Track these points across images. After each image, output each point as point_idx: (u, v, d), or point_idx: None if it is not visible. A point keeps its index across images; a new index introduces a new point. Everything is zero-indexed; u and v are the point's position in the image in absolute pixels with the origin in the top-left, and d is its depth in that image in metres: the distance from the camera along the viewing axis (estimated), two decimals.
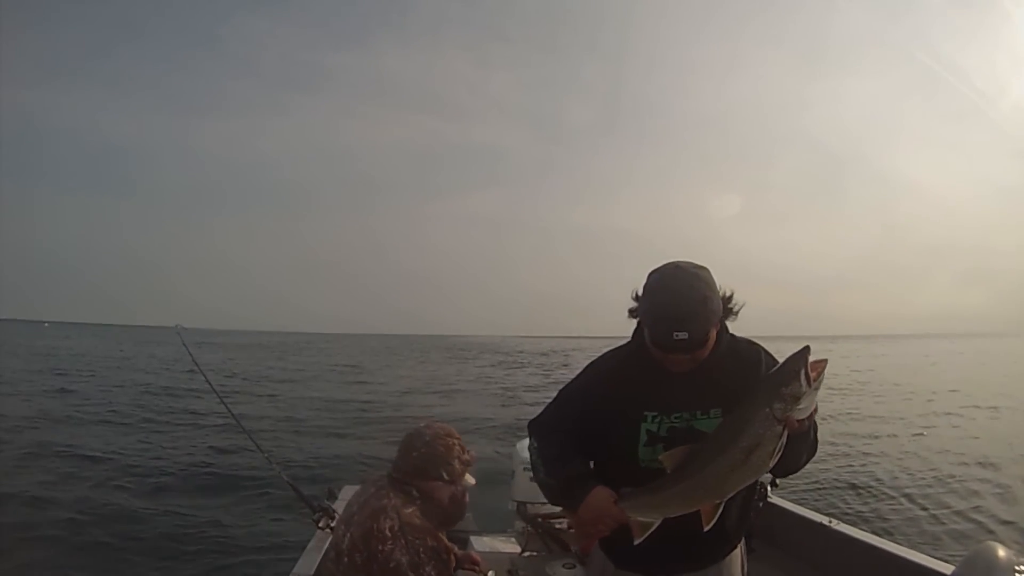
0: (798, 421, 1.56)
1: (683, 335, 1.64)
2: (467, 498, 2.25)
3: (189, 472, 8.38)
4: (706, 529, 1.65)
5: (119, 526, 6.20)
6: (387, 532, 1.97)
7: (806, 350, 1.57)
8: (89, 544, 5.74)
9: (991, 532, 6.83)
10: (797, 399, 1.54)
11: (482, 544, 3.64)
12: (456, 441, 2.22)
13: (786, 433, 1.56)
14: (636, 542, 1.69)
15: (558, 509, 3.87)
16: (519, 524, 3.89)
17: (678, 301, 1.66)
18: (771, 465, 1.60)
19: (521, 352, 54.38)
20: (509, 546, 3.66)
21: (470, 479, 2.25)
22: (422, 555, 1.99)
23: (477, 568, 2.36)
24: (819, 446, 1.80)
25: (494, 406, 15.87)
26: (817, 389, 1.55)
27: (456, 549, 2.23)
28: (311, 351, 51.22)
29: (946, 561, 2.94)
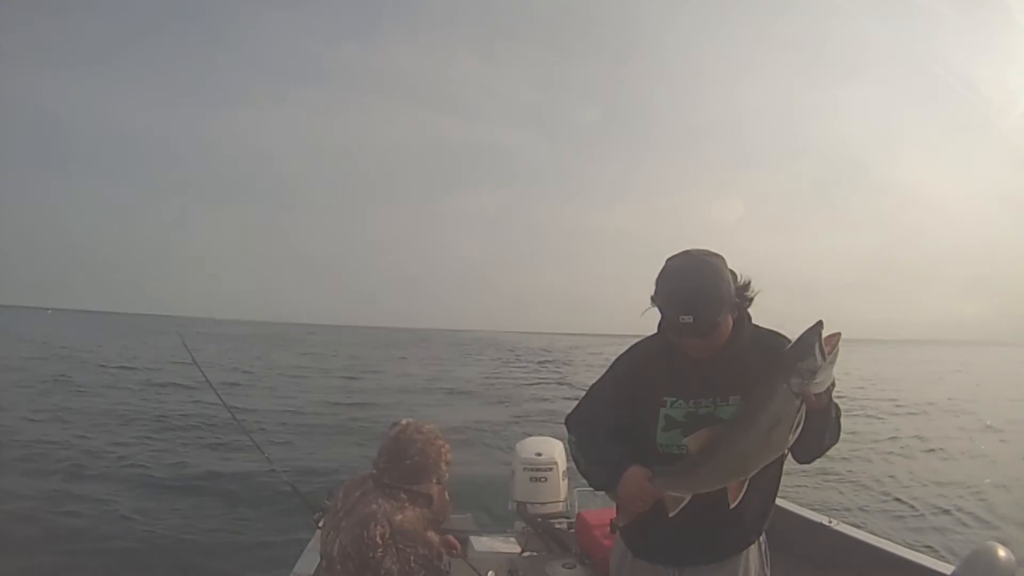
0: (816, 395, 1.59)
1: (688, 319, 1.68)
2: (447, 495, 2.26)
3: (186, 470, 8.35)
4: (732, 506, 1.68)
5: (114, 525, 6.18)
6: (378, 539, 1.97)
7: (819, 325, 1.60)
8: (82, 542, 5.71)
9: (991, 532, 6.84)
10: (813, 373, 1.57)
11: (482, 544, 3.64)
12: (444, 443, 2.23)
13: (804, 408, 1.60)
14: (671, 514, 1.74)
15: (558, 509, 3.91)
16: (519, 524, 3.89)
17: (685, 286, 1.71)
18: (792, 440, 1.63)
19: (523, 348, 54.26)
20: (509, 546, 3.66)
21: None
22: (412, 563, 2.00)
23: (455, 552, 2.39)
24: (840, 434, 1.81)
25: (496, 406, 15.85)
26: (833, 363, 1.58)
27: (438, 537, 2.24)
28: (312, 343, 51.07)
29: (946, 561, 2.95)
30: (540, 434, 4.29)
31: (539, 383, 22.28)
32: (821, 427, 1.69)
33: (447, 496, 2.23)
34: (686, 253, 1.77)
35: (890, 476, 9.56)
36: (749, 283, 1.81)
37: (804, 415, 1.61)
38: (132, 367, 21.55)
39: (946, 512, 7.65)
